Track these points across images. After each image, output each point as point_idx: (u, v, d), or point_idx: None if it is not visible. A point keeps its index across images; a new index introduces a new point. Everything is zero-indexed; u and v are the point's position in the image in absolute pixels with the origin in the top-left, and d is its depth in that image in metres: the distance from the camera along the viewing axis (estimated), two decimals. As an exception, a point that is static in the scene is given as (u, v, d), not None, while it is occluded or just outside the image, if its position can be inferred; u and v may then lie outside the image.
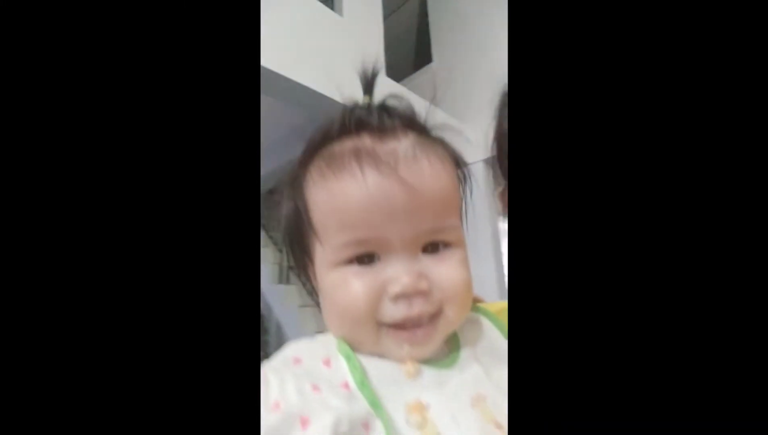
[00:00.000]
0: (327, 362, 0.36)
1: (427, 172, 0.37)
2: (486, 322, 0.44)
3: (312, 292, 0.43)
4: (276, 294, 3.90)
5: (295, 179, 0.41)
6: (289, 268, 3.24)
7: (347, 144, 0.39)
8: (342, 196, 0.36)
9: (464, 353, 0.40)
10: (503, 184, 0.51)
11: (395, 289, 0.35)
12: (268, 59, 2.10)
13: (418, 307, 0.36)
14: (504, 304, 0.54)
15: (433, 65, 4.06)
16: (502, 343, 0.42)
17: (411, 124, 0.41)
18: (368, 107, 0.41)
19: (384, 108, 0.41)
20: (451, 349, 0.40)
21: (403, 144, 0.38)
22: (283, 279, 4.08)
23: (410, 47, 4.61)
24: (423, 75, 4.12)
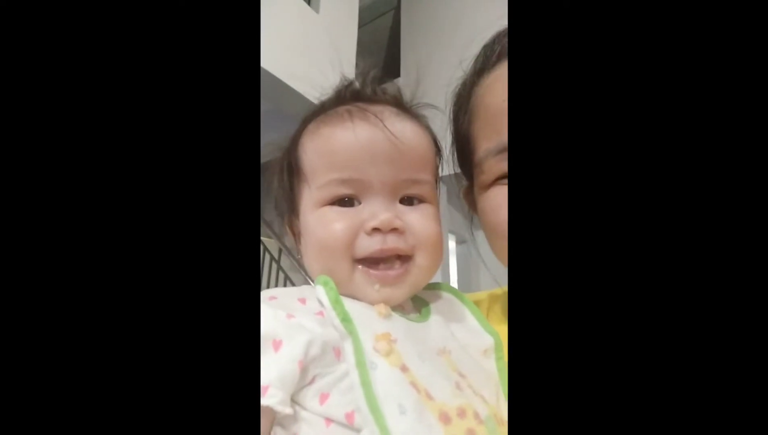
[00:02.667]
0: (302, 301, 0.38)
1: (409, 129, 0.42)
2: (457, 302, 0.47)
3: (293, 247, 0.46)
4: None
5: (291, 144, 0.45)
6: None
7: (340, 108, 0.42)
8: (332, 140, 0.40)
9: (434, 317, 0.42)
10: (466, 183, 0.55)
11: (372, 223, 0.38)
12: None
13: (391, 243, 0.38)
14: (480, 294, 0.57)
15: (399, 80, 4.16)
16: (471, 320, 0.45)
17: (396, 101, 0.45)
18: (362, 82, 0.45)
19: (376, 81, 0.45)
20: (422, 312, 0.43)
21: (390, 109, 0.43)
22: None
23: (380, 59, 4.69)
24: (389, 87, 4.19)
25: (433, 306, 0.44)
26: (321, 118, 0.42)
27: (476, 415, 0.34)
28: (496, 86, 0.46)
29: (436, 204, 0.43)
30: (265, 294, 0.38)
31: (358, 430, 0.32)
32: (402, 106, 0.45)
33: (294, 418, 0.33)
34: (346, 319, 0.34)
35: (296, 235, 0.45)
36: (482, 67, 0.49)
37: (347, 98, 0.44)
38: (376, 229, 0.38)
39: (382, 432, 0.30)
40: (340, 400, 0.33)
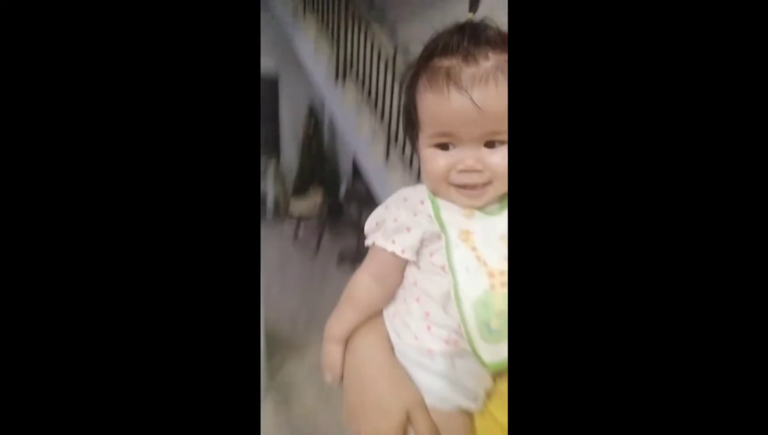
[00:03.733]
0: (422, 202, 0.61)
1: (492, 94, 0.55)
2: None
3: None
4: (332, 91, 3.92)
5: (411, 80, 0.62)
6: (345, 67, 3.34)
7: (444, 62, 0.57)
8: (434, 107, 0.57)
9: (506, 211, 0.61)
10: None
11: (461, 165, 0.57)
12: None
13: (474, 179, 0.58)
14: None
15: None
16: None
17: (494, 46, 0.58)
18: (469, 30, 0.57)
19: (477, 32, 0.57)
20: (500, 206, 0.62)
21: (482, 69, 0.56)
22: (339, 79, 3.96)
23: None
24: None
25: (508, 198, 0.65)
26: (426, 79, 0.58)
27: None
28: None
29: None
30: (401, 194, 0.62)
31: (447, 273, 0.57)
32: (497, 49, 0.57)
33: (417, 264, 0.60)
34: (442, 225, 0.59)
35: (415, 149, 0.64)
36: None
37: (450, 49, 0.57)
38: (463, 170, 0.57)
39: (455, 280, 0.56)
40: (438, 257, 0.58)
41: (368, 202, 4.47)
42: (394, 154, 3.37)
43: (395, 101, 3.20)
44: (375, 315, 0.66)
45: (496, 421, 0.59)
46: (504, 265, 0.58)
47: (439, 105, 0.56)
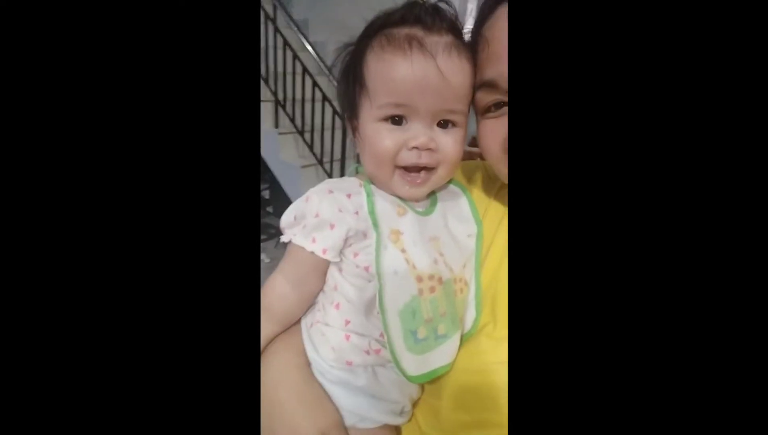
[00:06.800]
0: (349, 196, 0.54)
1: (456, 65, 0.51)
2: (459, 193, 0.63)
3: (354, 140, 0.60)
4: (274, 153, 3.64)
5: (359, 47, 0.55)
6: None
7: (404, 30, 0.51)
8: (393, 68, 0.50)
9: (438, 207, 0.58)
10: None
11: (414, 142, 0.51)
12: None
13: (424, 159, 0.52)
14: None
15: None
16: (465, 209, 0.61)
17: (452, 27, 0.54)
18: (425, 7, 0.53)
19: (437, 10, 0.53)
20: (430, 204, 0.59)
21: (444, 40, 0.51)
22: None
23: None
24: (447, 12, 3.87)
25: (440, 195, 0.60)
26: (386, 40, 0.52)
27: (439, 279, 0.53)
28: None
29: (465, 128, 0.55)
30: (324, 186, 0.55)
31: (372, 276, 0.52)
32: (455, 30, 0.54)
33: (338, 266, 0.54)
34: (375, 223, 0.53)
35: (354, 130, 0.57)
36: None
37: (410, 20, 0.52)
38: (415, 147, 0.51)
39: (380, 285, 0.51)
40: (364, 258, 0.52)
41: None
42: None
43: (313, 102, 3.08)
44: (292, 324, 0.58)
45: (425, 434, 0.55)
46: (434, 269, 0.53)
47: (398, 69, 0.50)
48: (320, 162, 3.18)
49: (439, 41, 0.51)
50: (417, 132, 0.52)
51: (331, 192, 0.54)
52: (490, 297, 0.56)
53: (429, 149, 0.52)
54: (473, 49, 0.55)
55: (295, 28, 3.23)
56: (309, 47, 3.17)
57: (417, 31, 0.51)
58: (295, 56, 3.01)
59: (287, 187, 3.42)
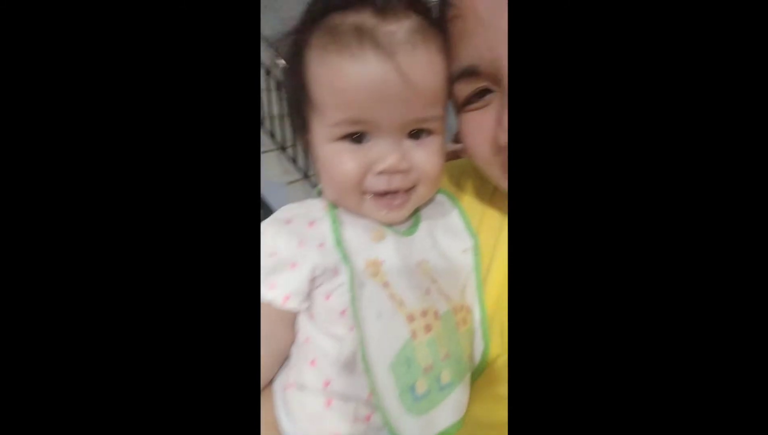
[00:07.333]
0: (311, 224, 0.44)
1: (424, 62, 0.40)
2: (448, 203, 0.52)
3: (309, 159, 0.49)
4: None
5: (296, 46, 0.43)
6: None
7: (349, 18, 0.40)
8: (341, 75, 0.39)
9: (422, 226, 0.48)
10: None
11: (381, 166, 0.41)
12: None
13: (396, 183, 0.42)
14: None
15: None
16: (457, 221, 0.51)
17: (413, 4, 0.42)
18: None
19: None
20: (414, 221, 0.48)
21: (404, 26, 0.39)
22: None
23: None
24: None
25: (423, 213, 0.49)
26: (328, 36, 0.40)
27: (435, 314, 0.43)
28: None
29: (442, 134, 0.45)
30: (281, 215, 0.45)
31: (352, 323, 0.41)
32: (419, 8, 0.42)
33: (309, 312, 0.44)
34: (344, 256, 0.41)
35: (307, 146, 0.47)
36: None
37: (356, 2, 0.41)
38: (383, 171, 0.41)
39: (362, 333, 0.40)
40: (338, 300, 0.42)
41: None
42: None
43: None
44: (264, 387, 0.47)
45: None
46: (427, 302, 0.42)
47: (347, 76, 0.39)
48: (306, 176, 3.11)
49: (397, 30, 0.39)
50: (383, 151, 0.41)
51: (289, 222, 0.44)
52: (498, 322, 0.46)
53: (401, 171, 0.42)
54: (443, 28, 0.43)
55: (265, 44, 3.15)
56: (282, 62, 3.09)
57: (367, 19, 0.39)
58: (268, 72, 2.93)
59: (276, 207, 3.33)
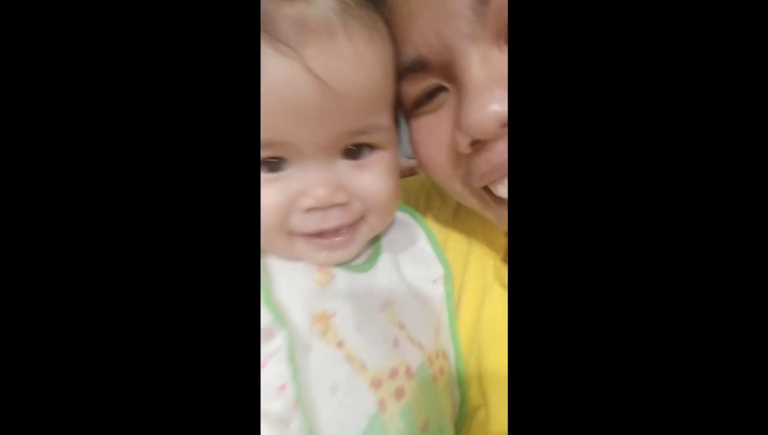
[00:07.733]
0: None
1: (347, 56, 0.29)
2: (412, 224, 0.43)
3: None
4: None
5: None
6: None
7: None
8: None
9: (383, 257, 0.39)
10: None
11: (307, 202, 0.31)
12: None
13: (334, 220, 0.33)
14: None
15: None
16: (424, 246, 0.42)
17: None
18: None
19: None
20: (372, 251, 0.39)
21: (319, 8, 0.28)
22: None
23: None
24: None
25: (384, 240, 0.40)
26: None
27: (407, 371, 0.34)
28: None
29: (391, 146, 0.35)
30: None
31: (294, 402, 0.32)
32: None
33: None
34: (278, 317, 0.32)
35: None
36: None
37: None
38: (312, 208, 0.32)
39: (305, 415, 0.30)
40: (274, 369, 0.31)
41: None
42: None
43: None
44: None
45: None
46: (396, 358, 0.33)
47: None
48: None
49: (306, 14, 0.28)
50: (308, 179, 0.31)
51: None
52: (474, 365, 0.38)
53: (336, 205, 0.32)
54: (382, 10, 0.33)
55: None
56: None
57: (267, 3, 0.28)
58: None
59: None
